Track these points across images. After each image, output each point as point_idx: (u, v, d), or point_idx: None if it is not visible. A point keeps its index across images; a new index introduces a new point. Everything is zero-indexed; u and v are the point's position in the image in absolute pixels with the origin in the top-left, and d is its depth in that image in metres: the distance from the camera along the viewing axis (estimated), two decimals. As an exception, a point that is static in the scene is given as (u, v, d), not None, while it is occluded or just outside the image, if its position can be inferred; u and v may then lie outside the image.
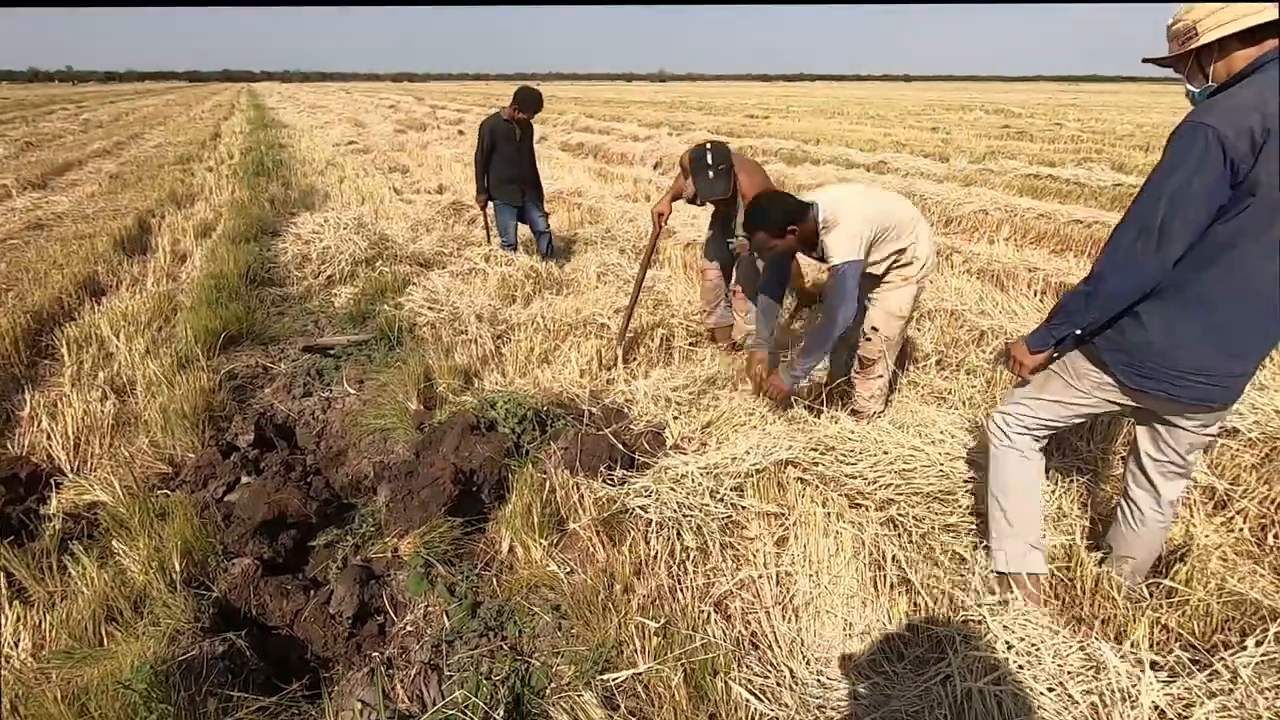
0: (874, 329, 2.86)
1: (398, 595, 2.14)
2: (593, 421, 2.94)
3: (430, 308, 4.11)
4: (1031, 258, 5.48)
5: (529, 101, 4.66)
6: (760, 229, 2.65)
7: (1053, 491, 2.31)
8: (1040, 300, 4.78)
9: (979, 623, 1.67)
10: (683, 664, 1.65)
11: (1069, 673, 1.48)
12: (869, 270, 2.74)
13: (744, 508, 2.37)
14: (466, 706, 1.57)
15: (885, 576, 2.05)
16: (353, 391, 3.42)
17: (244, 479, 2.67)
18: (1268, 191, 1.42)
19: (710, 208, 3.79)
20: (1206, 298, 1.55)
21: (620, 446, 2.66)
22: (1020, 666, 1.51)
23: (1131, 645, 1.61)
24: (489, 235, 5.36)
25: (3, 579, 2.12)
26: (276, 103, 32.28)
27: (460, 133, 15.77)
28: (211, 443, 2.91)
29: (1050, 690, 1.45)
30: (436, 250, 5.56)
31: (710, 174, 3.25)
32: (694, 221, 6.17)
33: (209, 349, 3.71)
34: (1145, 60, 1.73)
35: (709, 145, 3.30)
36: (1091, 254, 5.97)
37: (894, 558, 2.05)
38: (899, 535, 2.15)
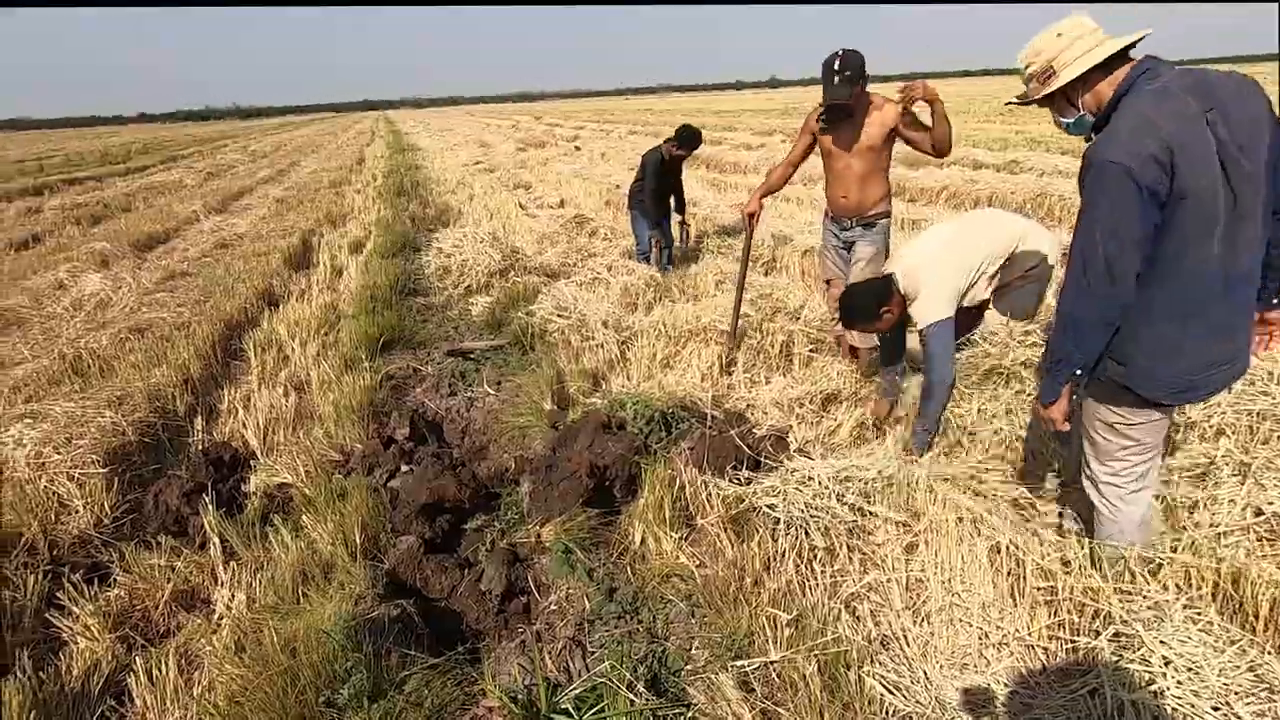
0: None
1: (541, 577, 2.33)
2: (715, 424, 3.03)
3: (559, 315, 4.36)
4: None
5: (687, 139, 4.99)
6: (858, 321, 2.79)
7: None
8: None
9: (1132, 636, 1.61)
10: (815, 655, 1.70)
11: (1235, 691, 1.40)
12: (979, 296, 2.78)
13: (871, 513, 2.39)
14: (612, 677, 1.70)
15: (1025, 587, 2.00)
16: (492, 392, 3.71)
17: (403, 468, 2.98)
18: (1198, 195, 1.51)
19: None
20: (1181, 305, 1.62)
21: (745, 448, 2.74)
22: (1179, 683, 1.44)
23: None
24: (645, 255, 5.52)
25: (218, 543, 2.51)
26: (410, 128, 34.94)
27: (576, 148, 16.41)
28: (374, 435, 3.26)
29: (1216, 709, 1.38)
30: (562, 261, 5.87)
31: (835, 79, 3.01)
32: (811, 229, 6.13)
33: (369, 352, 4.15)
34: (1008, 104, 1.86)
35: (841, 50, 3.03)
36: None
37: (1037, 566, 1.99)
38: (1043, 544, 2.09)
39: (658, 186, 5.17)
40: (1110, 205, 1.53)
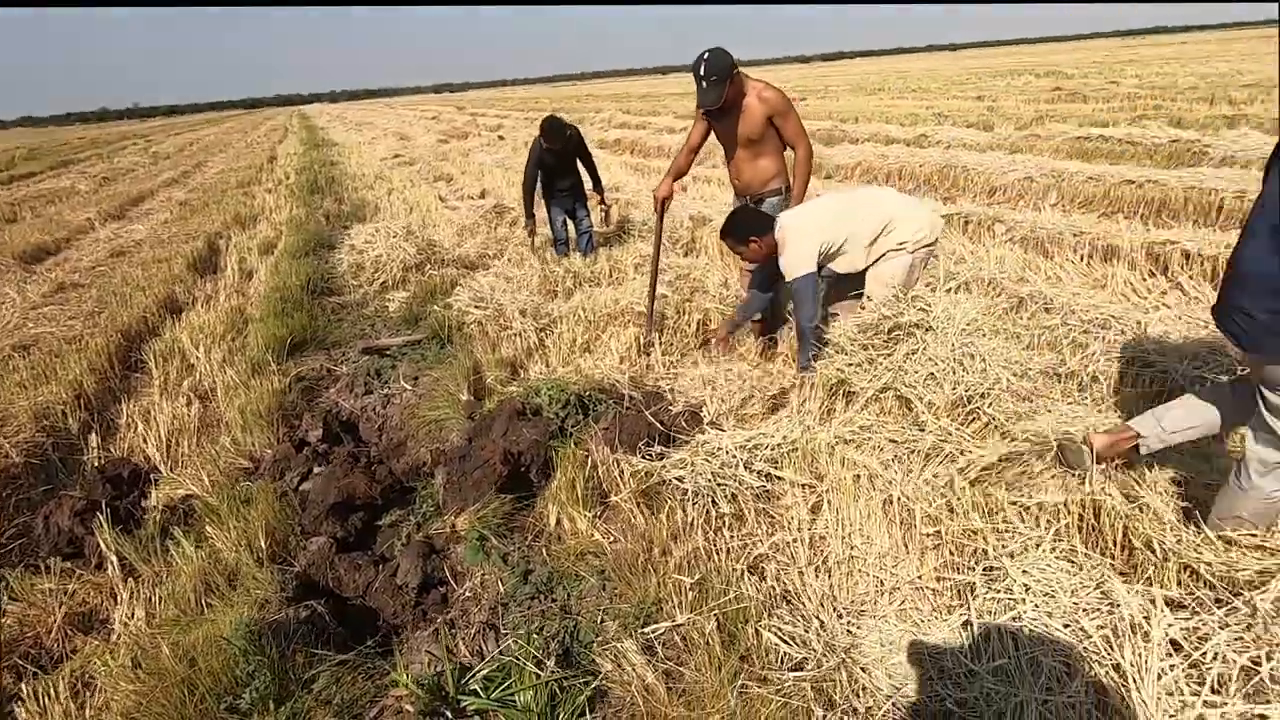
0: (867, 297, 3.06)
1: (457, 566, 2.33)
2: (632, 404, 3.08)
3: (477, 306, 4.32)
4: (1079, 222, 5.34)
5: (546, 131, 4.93)
6: (726, 236, 3.13)
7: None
8: (1086, 264, 4.68)
9: (1001, 569, 1.74)
10: (716, 614, 1.77)
11: (1084, 609, 1.53)
12: (857, 264, 3.06)
13: (779, 478, 2.49)
14: (520, 655, 1.73)
15: (915, 534, 2.12)
16: (409, 387, 3.66)
17: (316, 470, 2.92)
18: None
19: None
20: None
21: (658, 425, 2.80)
22: (1035, 606, 1.58)
23: (1152, 584, 1.66)
24: (534, 244, 5.56)
25: (116, 561, 2.41)
26: (326, 123, 33.59)
27: (500, 138, 16.13)
28: (285, 439, 3.18)
29: (1066, 626, 1.51)
30: (481, 252, 5.80)
31: (704, 84, 3.11)
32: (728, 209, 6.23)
33: (278, 355, 4.01)
34: None
35: (706, 52, 3.11)
36: (1144, 215, 5.78)
37: (925, 514, 2.12)
38: (931, 490, 2.22)
39: (543, 176, 5.15)
40: None
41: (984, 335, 2.91)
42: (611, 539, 2.29)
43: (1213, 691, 1.36)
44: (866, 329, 3.04)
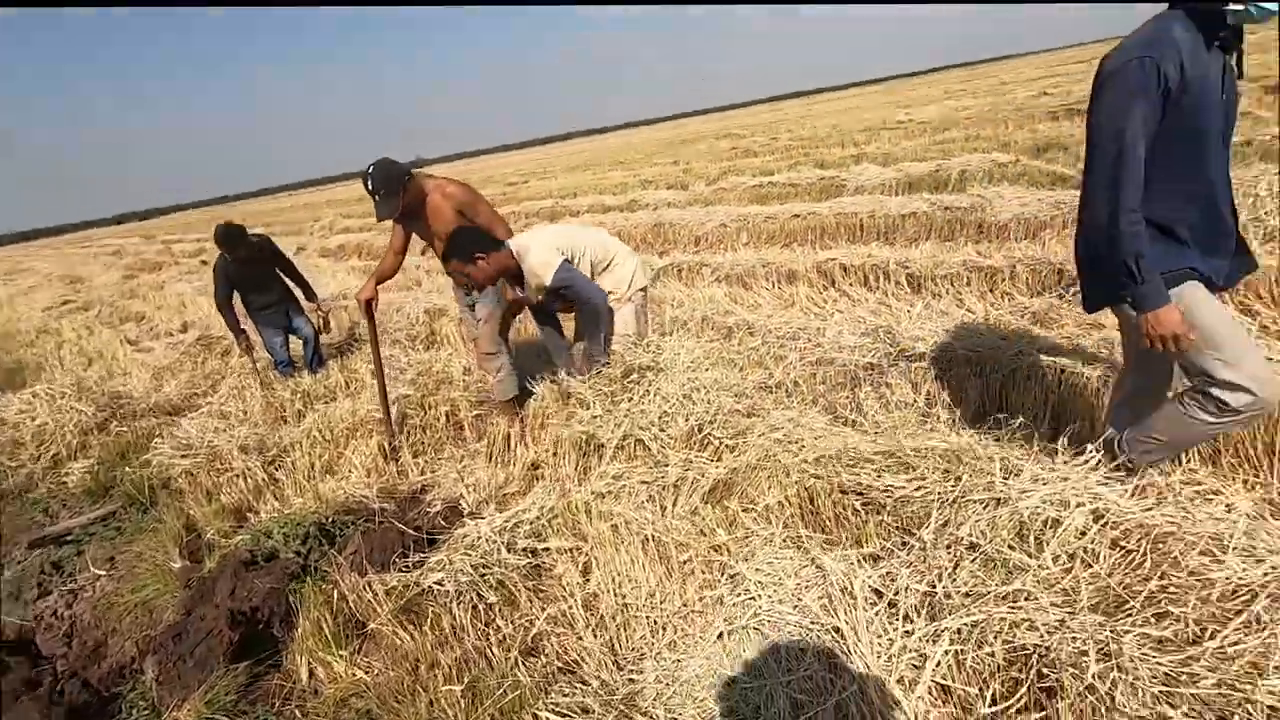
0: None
1: (187, 772, 1.93)
2: (385, 517, 2.87)
3: (185, 455, 3.74)
4: (766, 255, 6.24)
5: (219, 240, 4.57)
6: (449, 260, 3.04)
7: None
8: (777, 288, 5.47)
9: (736, 575, 1.90)
10: (490, 713, 1.68)
11: (804, 586, 1.74)
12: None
13: (545, 550, 2.47)
14: None
15: (674, 565, 2.24)
16: (103, 573, 3.01)
17: (-32, 717, 2.24)
18: None
19: None
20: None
21: (411, 532, 2.63)
22: (769, 597, 1.74)
23: (859, 544, 1.93)
24: (255, 366, 5.05)
25: None
26: (-38, 278, 27.27)
27: (203, 263, 14.47)
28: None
29: (794, 608, 1.69)
30: (187, 393, 5.07)
31: (376, 199, 3.15)
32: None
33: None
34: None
35: (371, 166, 3.12)
36: (812, 241, 6.95)
37: (678, 544, 2.24)
38: (680, 519, 2.36)
39: (242, 294, 4.79)
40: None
41: (705, 368, 3.23)
42: (374, 672, 2.07)
43: (907, 621, 1.61)
44: (605, 378, 3.21)
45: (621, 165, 19.81)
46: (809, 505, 2.30)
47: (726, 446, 2.83)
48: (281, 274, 4.88)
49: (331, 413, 3.98)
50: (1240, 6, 1.65)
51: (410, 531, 2.62)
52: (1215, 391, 1.79)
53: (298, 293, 5.06)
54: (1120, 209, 1.72)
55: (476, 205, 3.30)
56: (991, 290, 4.49)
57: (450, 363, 4.73)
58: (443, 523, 2.77)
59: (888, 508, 2.16)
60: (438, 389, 4.24)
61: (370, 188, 3.11)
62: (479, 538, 2.43)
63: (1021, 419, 2.91)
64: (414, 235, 3.50)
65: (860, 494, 2.29)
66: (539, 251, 3.03)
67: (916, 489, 2.15)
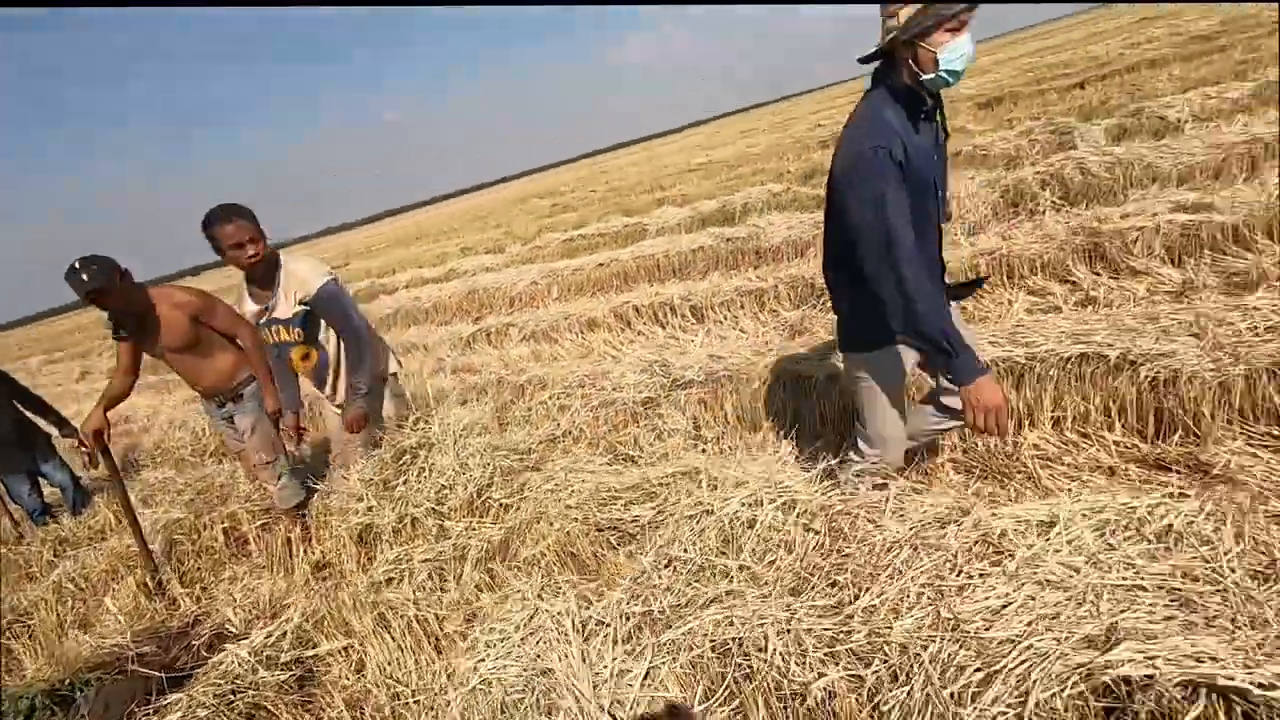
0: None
1: None
2: (139, 664, 2.59)
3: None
4: (569, 308, 6.43)
5: None
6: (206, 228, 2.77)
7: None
8: (580, 339, 5.65)
9: (472, 640, 1.93)
10: None
11: (527, 634, 1.79)
12: None
13: (314, 656, 2.35)
14: None
15: (439, 642, 2.21)
16: None
17: None
18: None
19: None
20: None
21: (158, 674, 2.39)
22: (494, 654, 1.79)
23: (612, 580, 2.02)
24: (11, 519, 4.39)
25: None
26: None
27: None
28: None
29: (515, 658, 1.74)
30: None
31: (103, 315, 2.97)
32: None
33: None
34: None
35: (71, 281, 2.75)
36: (615, 287, 7.25)
37: (439, 618, 2.22)
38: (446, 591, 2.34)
39: None
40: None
41: (477, 433, 3.25)
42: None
43: (627, 644, 1.70)
44: (376, 463, 3.13)
45: (447, 235, 19.69)
46: (568, 550, 2.37)
47: (504, 506, 2.87)
48: (19, 407, 4.31)
49: (90, 557, 3.56)
50: (930, 76, 1.69)
51: (156, 674, 2.38)
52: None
53: (50, 428, 4.50)
54: (915, 292, 1.70)
55: (213, 311, 3.08)
56: (761, 310, 4.93)
57: (237, 473, 4.42)
58: (205, 654, 2.55)
59: (636, 538, 2.29)
60: (222, 504, 3.93)
61: (86, 298, 2.79)
62: (236, 659, 2.27)
63: (766, 425, 3.21)
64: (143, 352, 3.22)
65: (615, 529, 2.41)
66: (310, 263, 2.95)
67: (658, 514, 2.30)
